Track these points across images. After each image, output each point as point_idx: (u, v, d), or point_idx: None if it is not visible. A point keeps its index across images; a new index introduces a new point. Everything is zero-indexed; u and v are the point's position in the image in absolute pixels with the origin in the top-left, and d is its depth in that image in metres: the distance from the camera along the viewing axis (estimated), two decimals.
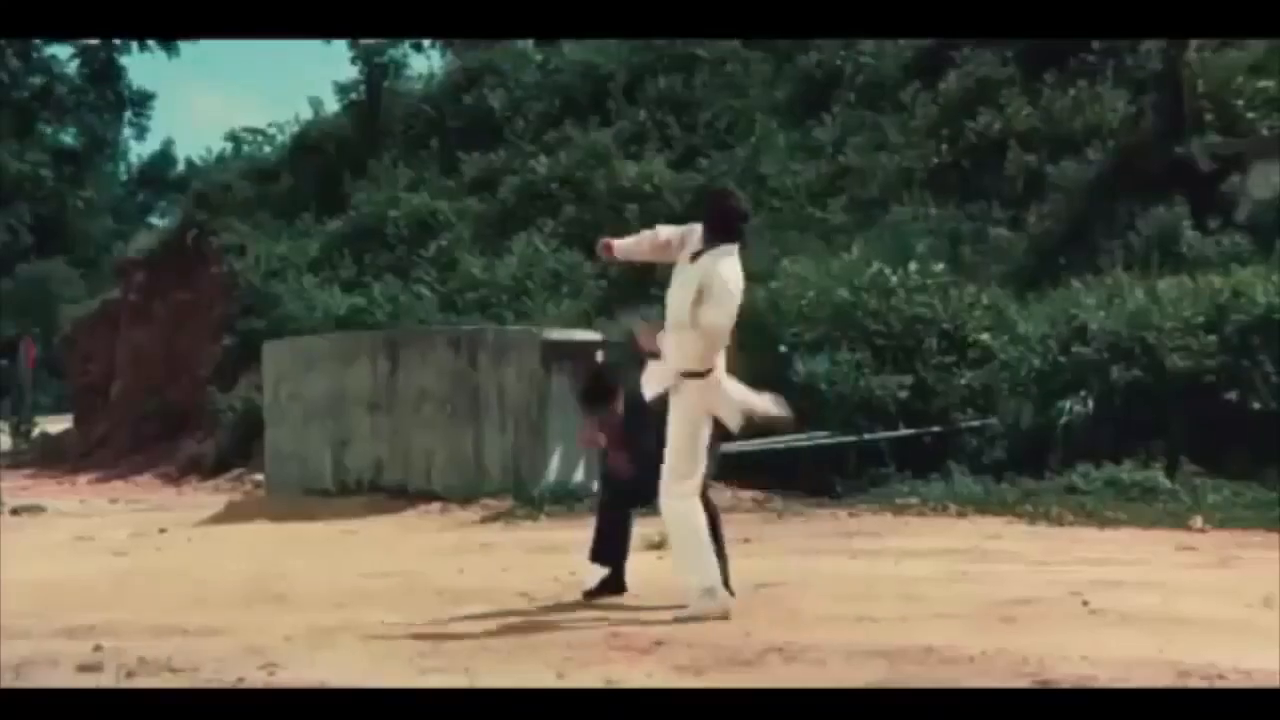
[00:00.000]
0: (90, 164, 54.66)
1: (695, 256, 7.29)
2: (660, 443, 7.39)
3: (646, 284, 17.84)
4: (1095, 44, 17.91)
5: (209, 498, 18.14)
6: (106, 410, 27.38)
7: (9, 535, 13.49)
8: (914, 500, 12.52)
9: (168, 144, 62.83)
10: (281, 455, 16.39)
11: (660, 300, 7.57)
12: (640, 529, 8.45)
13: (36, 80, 52.09)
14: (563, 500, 13.64)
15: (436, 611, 7.70)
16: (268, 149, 29.28)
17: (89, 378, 29.63)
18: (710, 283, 7.16)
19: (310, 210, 24.95)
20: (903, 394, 13.40)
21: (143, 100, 56.34)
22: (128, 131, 58.14)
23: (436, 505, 13.94)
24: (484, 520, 13.26)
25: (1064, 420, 12.98)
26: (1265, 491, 11.63)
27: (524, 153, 23.16)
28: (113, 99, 54.21)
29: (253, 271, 23.58)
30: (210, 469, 21.24)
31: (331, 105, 27.71)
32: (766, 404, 7.52)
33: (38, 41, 48.05)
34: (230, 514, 15.26)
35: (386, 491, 14.79)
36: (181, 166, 59.62)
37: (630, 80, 23.33)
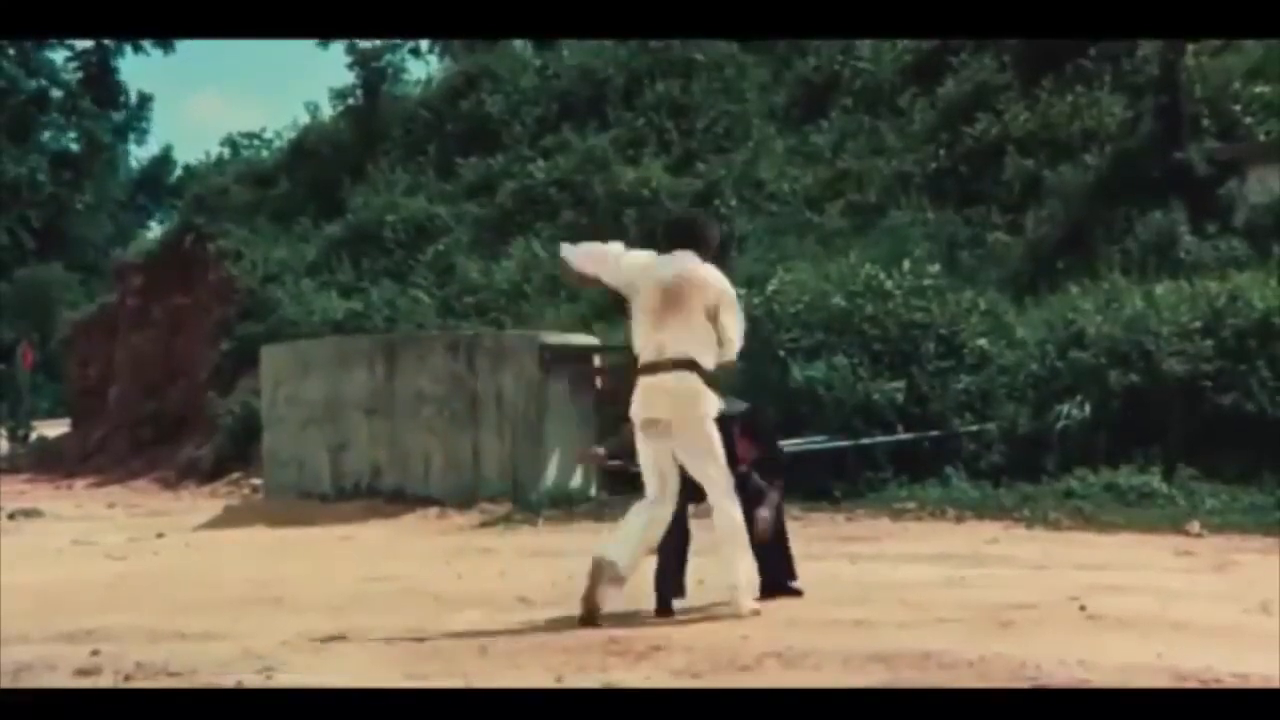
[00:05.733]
0: (88, 168, 54.54)
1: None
2: None
3: None
4: (1092, 49, 17.92)
5: (206, 502, 18.15)
6: (104, 414, 27.35)
7: (6, 540, 13.49)
8: (911, 505, 12.53)
9: (166, 148, 62.74)
10: (279, 459, 16.38)
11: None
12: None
13: (34, 84, 52.00)
14: (561, 505, 13.65)
15: (434, 616, 7.68)
16: (265, 153, 29.30)
17: (87, 382, 29.61)
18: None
19: (308, 214, 24.96)
20: (900, 399, 13.40)
21: (140, 104, 56.31)
22: (125, 135, 58.07)
23: (434, 510, 13.95)
24: (482, 525, 13.27)
25: (1061, 425, 12.97)
26: (1262, 496, 11.62)
27: (522, 157, 23.15)
28: (110, 102, 54.11)
29: (250, 276, 23.60)
30: (208, 473, 21.24)
31: (328, 110, 27.74)
32: None
33: (34, 44, 47.96)
34: (228, 518, 15.27)
35: (384, 496, 14.79)
36: (179, 170, 59.53)
37: (628, 85, 23.32)
